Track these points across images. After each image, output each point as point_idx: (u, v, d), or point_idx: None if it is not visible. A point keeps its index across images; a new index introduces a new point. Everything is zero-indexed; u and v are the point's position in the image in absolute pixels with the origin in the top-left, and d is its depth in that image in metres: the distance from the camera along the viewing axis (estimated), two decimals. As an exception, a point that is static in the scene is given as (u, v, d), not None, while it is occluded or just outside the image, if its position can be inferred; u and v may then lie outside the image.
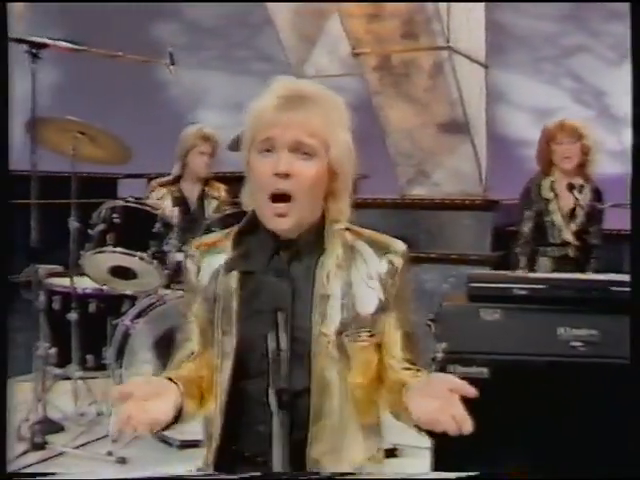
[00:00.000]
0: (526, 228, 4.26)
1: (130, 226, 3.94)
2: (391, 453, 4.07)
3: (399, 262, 1.84)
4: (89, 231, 3.98)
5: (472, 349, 3.54)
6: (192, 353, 1.86)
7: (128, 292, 4.16)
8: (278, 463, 1.61)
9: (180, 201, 4.65)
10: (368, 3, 5.13)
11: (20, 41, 3.56)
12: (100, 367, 4.11)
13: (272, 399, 1.59)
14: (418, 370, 1.86)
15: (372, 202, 6.08)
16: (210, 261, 1.85)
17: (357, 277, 1.81)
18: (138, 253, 3.89)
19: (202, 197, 4.73)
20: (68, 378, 4.14)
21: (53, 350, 4.09)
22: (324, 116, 1.76)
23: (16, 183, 4.08)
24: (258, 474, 1.73)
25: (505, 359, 3.49)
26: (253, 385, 1.77)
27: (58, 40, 3.80)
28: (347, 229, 1.87)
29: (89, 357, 4.11)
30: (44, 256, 4.15)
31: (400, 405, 1.74)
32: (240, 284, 1.80)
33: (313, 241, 1.80)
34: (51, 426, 4.01)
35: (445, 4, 5.10)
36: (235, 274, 1.80)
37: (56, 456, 3.80)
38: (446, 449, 3.52)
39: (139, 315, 3.97)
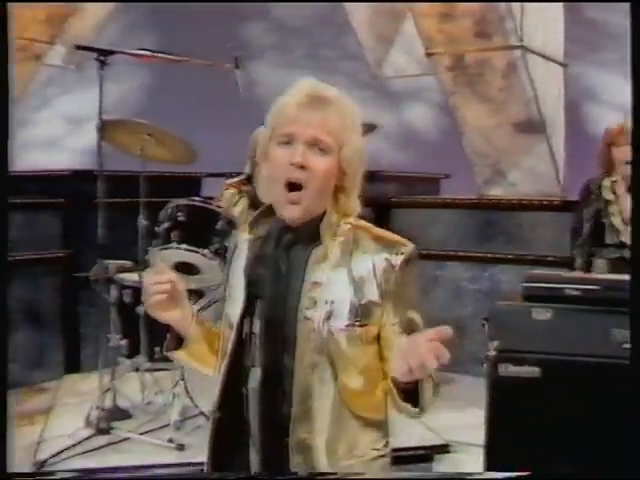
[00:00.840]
0: (584, 228, 4.29)
1: (194, 224, 4.21)
2: (444, 449, 4.22)
3: (399, 261, 1.97)
4: (156, 229, 4.28)
5: (524, 348, 3.64)
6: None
7: (193, 287, 4.42)
8: (255, 433, 1.82)
9: (253, 200, 4.88)
10: (440, 3, 5.26)
11: (87, 49, 3.88)
12: (167, 359, 4.36)
13: (250, 379, 1.81)
14: None
15: (450, 202, 6.21)
16: (235, 238, 2.13)
17: (349, 271, 1.96)
18: (201, 250, 4.15)
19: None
20: (137, 369, 4.43)
21: (124, 342, 4.41)
22: (341, 118, 1.96)
23: (87, 182, 4.46)
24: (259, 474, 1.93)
25: (557, 359, 3.57)
26: (247, 367, 1.98)
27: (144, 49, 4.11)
28: (355, 224, 2.03)
29: (157, 349, 4.34)
30: (115, 252, 4.50)
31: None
32: (247, 265, 2.03)
33: (311, 233, 1.99)
34: (119, 414, 4.35)
35: (519, 3, 5.17)
36: (244, 257, 2.04)
37: (120, 441, 4.12)
38: (498, 447, 3.66)
39: (204, 308, 4.22)
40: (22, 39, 5.69)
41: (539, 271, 4.12)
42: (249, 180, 4.94)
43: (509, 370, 3.64)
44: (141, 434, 4.16)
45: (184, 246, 4.17)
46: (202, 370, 2.15)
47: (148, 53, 4.09)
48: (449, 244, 6.05)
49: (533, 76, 5.38)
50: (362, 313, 1.95)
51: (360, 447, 1.99)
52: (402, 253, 1.98)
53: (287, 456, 1.96)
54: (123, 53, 4.02)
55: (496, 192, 5.92)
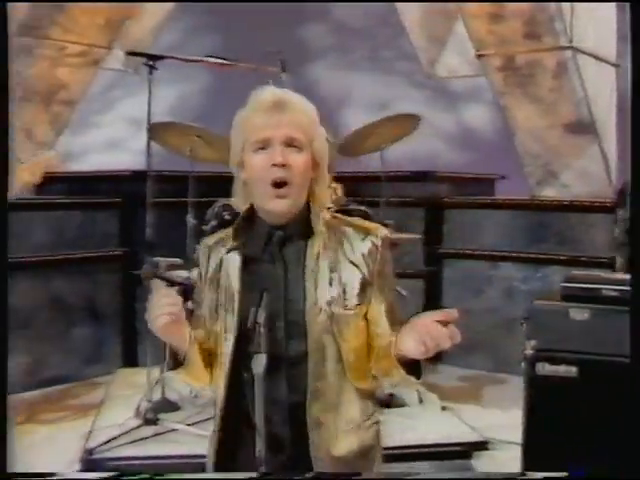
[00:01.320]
0: (620, 229, 4.35)
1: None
2: (482, 446, 4.34)
3: (379, 243, 2.19)
4: (203, 227, 4.50)
5: (561, 348, 3.74)
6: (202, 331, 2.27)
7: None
8: (260, 421, 1.99)
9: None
10: (489, 3, 5.36)
11: (137, 54, 4.11)
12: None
13: (252, 364, 1.98)
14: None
15: (503, 203, 6.30)
16: (216, 254, 2.25)
17: (343, 256, 2.17)
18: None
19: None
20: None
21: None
22: (306, 116, 2.16)
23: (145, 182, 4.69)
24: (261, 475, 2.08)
25: (594, 359, 3.66)
26: (251, 355, 2.15)
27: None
28: (333, 216, 2.24)
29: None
30: (165, 250, 4.73)
31: (391, 363, 2.11)
32: (240, 269, 2.20)
33: (301, 226, 2.18)
34: (168, 406, 4.59)
35: (569, 3, 5.24)
36: (235, 261, 2.21)
37: (167, 432, 4.35)
38: (535, 446, 3.76)
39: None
40: (81, 44, 5.98)
41: (579, 272, 4.19)
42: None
43: (546, 369, 3.74)
44: (188, 425, 4.37)
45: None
46: (195, 386, 2.35)
47: (195, 58, 4.29)
48: (502, 245, 6.14)
49: (584, 76, 5.43)
50: (358, 293, 2.17)
51: (359, 416, 2.20)
52: (380, 236, 2.21)
53: (296, 439, 2.15)
54: (171, 58, 4.24)
55: (548, 193, 5.99)
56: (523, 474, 3.66)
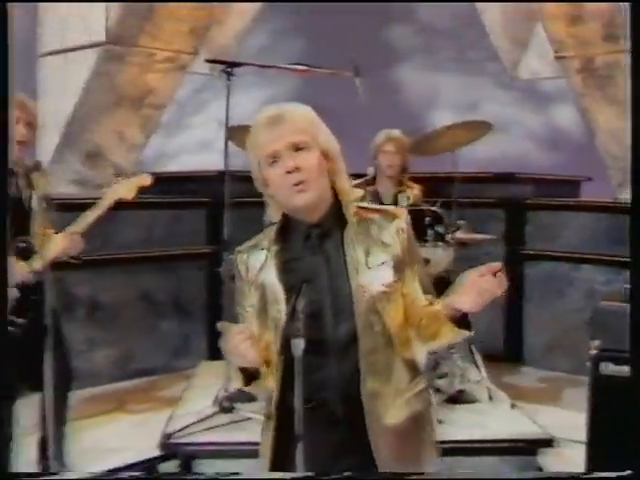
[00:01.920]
0: None
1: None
2: (548, 444, 4.50)
3: (403, 224, 2.45)
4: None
5: (625, 348, 3.86)
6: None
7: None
8: (299, 403, 2.24)
9: (375, 199, 5.30)
10: (567, 3, 5.47)
11: (215, 61, 4.42)
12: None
13: (292, 348, 2.24)
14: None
15: (585, 205, 6.38)
16: (255, 258, 2.49)
17: (374, 239, 2.42)
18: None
19: (396, 196, 5.35)
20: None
21: (250, 331, 4.94)
22: (302, 119, 2.40)
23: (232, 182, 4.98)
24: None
25: (657, 359, 3.79)
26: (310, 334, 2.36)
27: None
28: (358, 207, 2.47)
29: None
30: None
31: (441, 324, 2.38)
32: (281, 268, 2.45)
33: (334, 219, 2.43)
34: (244, 396, 4.87)
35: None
36: (277, 261, 2.45)
37: (242, 420, 4.65)
38: (599, 445, 3.90)
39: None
40: (168, 51, 6.37)
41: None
42: (373, 181, 5.39)
43: (609, 369, 3.87)
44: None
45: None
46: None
47: (271, 64, 4.57)
48: (584, 246, 6.22)
49: (664, 78, 5.48)
50: (394, 271, 2.42)
51: (407, 385, 2.44)
52: (401, 217, 2.47)
53: (351, 413, 2.38)
54: (247, 64, 4.53)
55: (629, 195, 6.03)
56: (587, 473, 3.81)
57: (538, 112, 8.13)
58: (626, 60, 5.48)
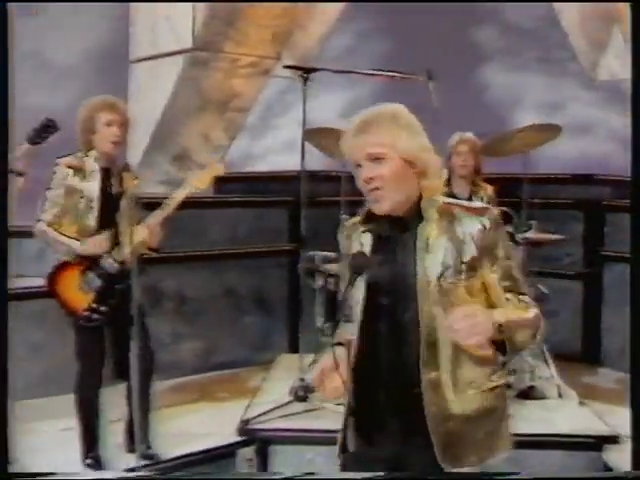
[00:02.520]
0: None
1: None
2: (613, 440, 4.66)
3: (487, 224, 2.59)
4: (352, 223, 5.07)
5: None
6: None
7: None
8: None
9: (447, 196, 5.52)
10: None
11: (292, 67, 4.74)
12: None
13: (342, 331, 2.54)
14: (521, 301, 2.63)
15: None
16: (356, 234, 2.75)
17: (453, 236, 2.59)
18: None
19: (470, 195, 5.57)
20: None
21: (327, 324, 5.25)
22: (383, 129, 2.58)
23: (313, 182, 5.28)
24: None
25: None
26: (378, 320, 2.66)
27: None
28: (445, 201, 2.66)
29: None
30: (322, 245, 5.33)
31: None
32: (371, 245, 2.69)
33: (414, 214, 2.63)
34: (319, 387, 5.19)
35: None
36: (368, 239, 2.70)
37: (316, 410, 4.96)
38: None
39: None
40: (252, 56, 6.73)
41: None
42: (448, 182, 5.61)
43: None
44: (337, 405, 4.94)
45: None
46: None
47: (345, 69, 4.86)
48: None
49: None
50: (466, 269, 2.58)
51: (476, 380, 2.62)
52: (489, 218, 2.61)
53: (410, 399, 2.60)
54: (322, 70, 4.83)
55: None
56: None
57: (621, 113, 8.18)
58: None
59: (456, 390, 2.60)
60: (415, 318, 2.58)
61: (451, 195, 5.53)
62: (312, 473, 2.97)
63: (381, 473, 2.65)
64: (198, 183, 4.48)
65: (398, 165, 2.59)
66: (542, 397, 5.18)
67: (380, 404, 2.66)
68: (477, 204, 2.76)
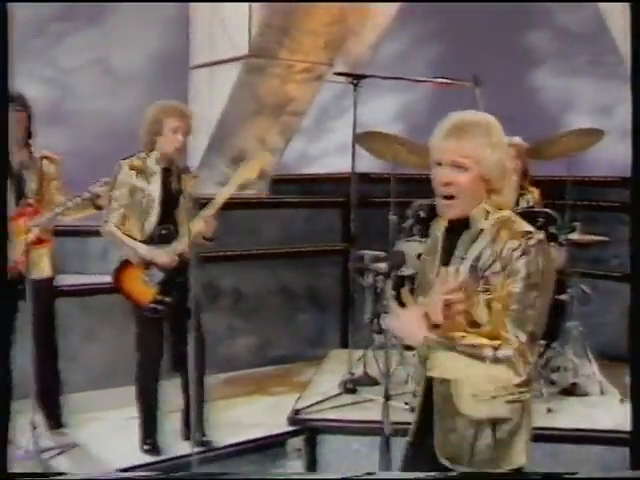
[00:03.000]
0: None
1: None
2: (653, 436, 4.75)
3: (526, 246, 2.60)
4: (403, 225, 5.27)
5: None
6: None
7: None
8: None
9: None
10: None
11: (342, 74, 4.94)
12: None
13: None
14: (507, 337, 2.58)
15: None
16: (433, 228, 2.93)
17: (489, 250, 2.65)
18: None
19: (517, 199, 5.70)
20: (385, 344, 5.37)
21: (376, 321, 5.44)
22: (474, 142, 2.67)
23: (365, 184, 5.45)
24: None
25: None
26: None
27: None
28: (501, 216, 2.71)
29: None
30: (370, 244, 5.52)
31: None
32: (431, 247, 2.87)
33: (465, 221, 2.73)
34: (367, 380, 5.40)
35: None
36: (437, 233, 2.86)
37: (364, 401, 5.17)
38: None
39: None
40: (306, 62, 6.96)
41: None
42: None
43: None
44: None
45: (424, 239, 5.09)
46: None
47: (393, 75, 5.05)
48: None
49: None
50: (490, 282, 2.64)
51: (491, 390, 2.68)
52: (530, 241, 2.62)
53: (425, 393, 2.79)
54: (371, 77, 5.03)
55: None
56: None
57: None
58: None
59: (467, 393, 2.71)
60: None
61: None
62: (372, 473, 3.07)
63: (433, 473, 2.76)
64: (248, 173, 4.64)
65: (476, 178, 2.67)
66: (584, 394, 5.31)
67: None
68: (526, 227, 2.71)
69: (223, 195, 4.60)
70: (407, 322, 2.64)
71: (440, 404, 2.75)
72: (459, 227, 2.74)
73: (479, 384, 2.69)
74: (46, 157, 4.89)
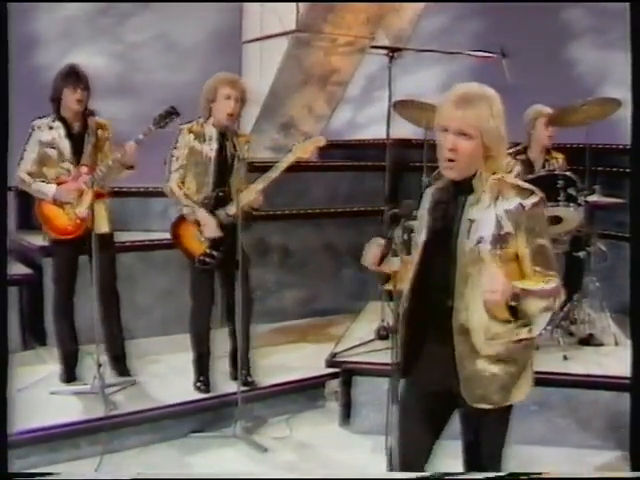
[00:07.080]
0: None
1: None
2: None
3: (528, 203, 2.80)
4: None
5: None
6: None
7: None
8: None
9: (527, 166, 5.78)
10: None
11: (378, 47, 5.13)
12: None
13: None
14: (546, 275, 2.82)
15: None
16: (425, 195, 3.06)
17: (492, 210, 2.81)
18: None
19: (544, 163, 5.86)
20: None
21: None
22: (478, 112, 2.80)
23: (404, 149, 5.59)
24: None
25: None
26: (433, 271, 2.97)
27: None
28: (500, 178, 2.88)
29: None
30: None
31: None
32: (430, 207, 2.99)
33: (469, 185, 2.88)
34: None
35: None
36: (428, 198, 3.02)
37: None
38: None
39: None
40: (349, 36, 7.16)
41: None
42: (524, 150, 5.89)
43: None
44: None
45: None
46: None
47: (427, 48, 5.22)
48: None
49: None
50: (501, 240, 2.81)
51: (503, 334, 2.88)
52: (529, 197, 2.82)
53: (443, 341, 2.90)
54: (406, 49, 5.22)
55: None
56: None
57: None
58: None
59: (483, 338, 2.86)
60: (453, 273, 2.86)
61: (528, 162, 5.83)
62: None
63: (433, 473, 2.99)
64: (302, 152, 4.88)
65: (478, 145, 2.81)
66: (600, 344, 5.47)
67: (424, 321, 2.96)
68: (524, 184, 2.91)
69: (276, 171, 4.82)
70: (501, 281, 2.72)
71: (462, 352, 2.88)
72: (458, 191, 2.89)
73: (493, 328, 2.86)
74: (99, 124, 5.12)
